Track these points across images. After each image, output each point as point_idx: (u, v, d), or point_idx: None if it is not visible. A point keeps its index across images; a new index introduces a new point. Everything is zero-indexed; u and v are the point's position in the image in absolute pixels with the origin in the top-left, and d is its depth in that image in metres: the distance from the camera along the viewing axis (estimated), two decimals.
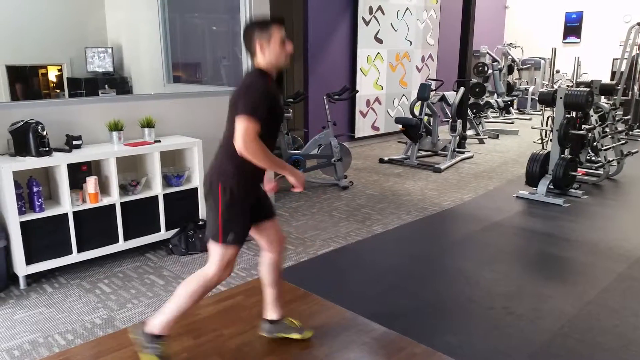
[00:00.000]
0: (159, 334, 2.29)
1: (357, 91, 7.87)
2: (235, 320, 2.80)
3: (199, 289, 2.27)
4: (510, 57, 11.04)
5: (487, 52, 9.97)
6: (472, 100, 9.03)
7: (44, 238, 3.26)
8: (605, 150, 5.84)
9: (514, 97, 11.55)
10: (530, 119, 11.07)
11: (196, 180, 3.97)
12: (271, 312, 2.59)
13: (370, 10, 8.24)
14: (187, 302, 2.27)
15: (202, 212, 4.00)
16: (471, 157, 7.48)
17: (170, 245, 3.82)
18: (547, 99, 5.53)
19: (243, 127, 2.02)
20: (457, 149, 7.32)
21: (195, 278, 2.28)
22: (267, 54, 2.19)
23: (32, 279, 3.34)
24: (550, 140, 5.46)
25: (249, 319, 2.79)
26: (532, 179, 5.38)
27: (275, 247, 2.47)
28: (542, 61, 12.02)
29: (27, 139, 3.19)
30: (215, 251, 2.24)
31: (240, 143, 2.03)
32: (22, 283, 3.25)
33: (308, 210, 4.95)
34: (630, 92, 8.23)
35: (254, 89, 2.12)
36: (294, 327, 2.62)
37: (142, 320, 2.66)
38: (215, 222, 2.21)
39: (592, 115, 5.65)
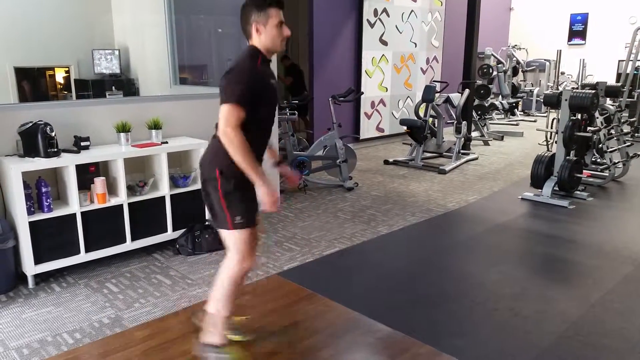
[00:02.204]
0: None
1: (362, 93, 7.89)
2: (243, 312, 2.81)
3: (230, 287, 2.22)
4: (515, 59, 11.03)
5: (492, 54, 9.97)
6: (476, 102, 9.03)
7: (52, 238, 3.29)
8: (611, 152, 5.83)
9: (519, 99, 11.54)
10: (535, 121, 11.05)
11: None
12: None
13: (375, 12, 8.26)
14: (228, 302, 2.25)
15: (208, 213, 4.02)
16: (476, 158, 7.48)
17: (177, 246, 3.85)
18: (552, 101, 5.52)
19: (225, 114, 2.00)
20: (461, 151, 7.32)
21: (222, 277, 2.24)
22: (263, 36, 2.13)
23: (41, 278, 3.38)
24: (556, 142, 5.46)
25: (255, 319, 2.81)
26: (537, 181, 5.37)
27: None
28: (547, 63, 12.00)
29: (36, 140, 3.23)
30: (229, 239, 2.19)
31: (220, 129, 2.02)
32: (30, 282, 3.29)
33: (313, 211, 4.96)
34: (635, 94, 8.21)
35: (241, 73, 2.06)
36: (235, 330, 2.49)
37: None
38: (220, 209, 2.16)
39: (597, 117, 5.64)
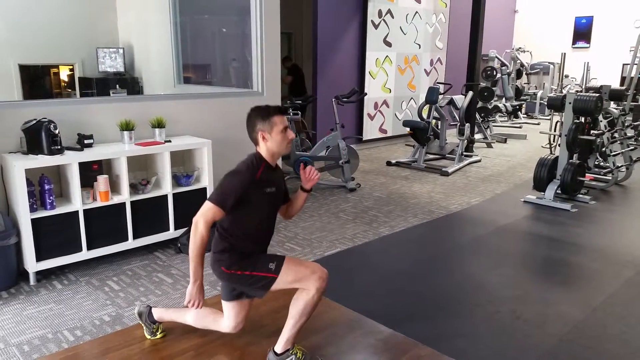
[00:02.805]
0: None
1: (366, 94, 7.89)
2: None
3: (311, 313, 2.29)
4: (519, 61, 11.02)
5: (496, 56, 9.96)
6: (480, 104, 9.02)
7: (54, 235, 3.30)
8: (614, 155, 5.81)
9: (523, 102, 11.52)
10: (538, 124, 11.04)
11: (205, 180, 4.00)
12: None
13: (380, 13, 8.26)
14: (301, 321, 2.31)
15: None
16: (479, 160, 7.47)
17: (179, 244, 3.85)
18: (556, 104, 5.51)
19: (204, 208, 2.16)
20: (464, 153, 7.31)
21: (302, 309, 2.26)
22: (269, 143, 2.25)
23: (42, 275, 3.39)
24: (559, 145, 5.45)
25: (256, 318, 2.80)
26: (539, 184, 5.36)
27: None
28: (551, 66, 11.98)
29: (39, 137, 3.24)
30: (286, 284, 2.24)
31: (195, 218, 2.15)
32: (32, 279, 3.29)
33: (315, 211, 4.96)
34: None
35: (233, 180, 2.18)
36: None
37: None
38: (258, 278, 2.24)
39: (601, 121, 5.62)
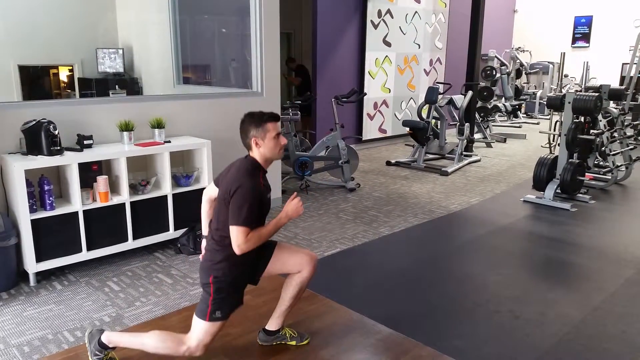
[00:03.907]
0: None
1: (365, 94, 7.89)
2: (243, 320, 2.82)
3: (165, 350, 2.24)
4: (518, 61, 11.01)
5: (496, 56, 9.95)
6: (480, 103, 9.02)
7: (54, 236, 3.30)
8: (614, 155, 5.82)
9: (522, 101, 11.52)
10: (538, 123, 11.04)
11: (205, 180, 3.99)
12: (271, 323, 2.56)
13: (379, 13, 8.26)
14: (148, 350, 2.26)
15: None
16: (478, 160, 7.47)
17: (179, 245, 3.85)
18: (556, 104, 5.52)
19: (235, 236, 2.15)
20: (464, 153, 7.31)
21: (170, 338, 2.25)
22: (262, 149, 2.27)
23: (42, 276, 3.38)
24: (558, 144, 5.45)
25: (256, 318, 2.81)
26: (539, 183, 5.37)
27: (305, 267, 2.42)
28: (551, 65, 11.98)
29: (39, 138, 3.24)
30: (199, 326, 2.24)
31: (237, 249, 2.16)
32: (32, 280, 3.29)
33: (315, 211, 4.97)
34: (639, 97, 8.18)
35: (247, 193, 2.17)
36: (292, 336, 2.60)
37: None
38: (205, 302, 2.24)
39: (600, 120, 5.63)
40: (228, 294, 2.28)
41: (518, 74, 11.08)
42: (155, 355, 2.30)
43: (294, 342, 2.59)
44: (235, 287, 2.31)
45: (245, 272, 2.34)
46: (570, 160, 5.24)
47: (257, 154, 2.29)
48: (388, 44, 8.56)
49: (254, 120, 2.26)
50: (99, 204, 3.47)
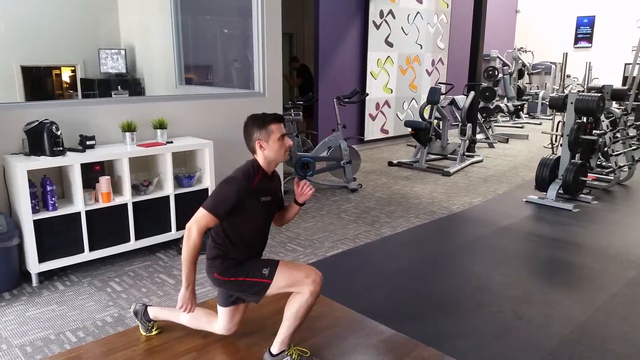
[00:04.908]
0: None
1: (367, 94, 7.88)
2: (243, 321, 2.81)
3: (306, 315, 2.28)
4: (520, 61, 11.00)
5: (498, 56, 9.95)
6: (482, 104, 9.00)
7: (56, 236, 3.30)
8: (616, 155, 5.80)
9: (524, 102, 11.51)
10: (540, 124, 11.03)
11: (207, 181, 4.00)
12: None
13: (381, 14, 8.26)
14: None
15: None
16: (480, 161, 7.46)
17: (181, 245, 3.84)
18: (558, 104, 5.50)
19: (197, 215, 2.17)
20: (466, 153, 7.31)
21: (295, 312, 2.26)
22: (267, 151, 2.25)
23: (45, 276, 3.39)
24: (561, 145, 5.44)
25: (257, 319, 2.81)
26: (541, 184, 5.36)
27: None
28: (553, 66, 11.97)
29: (41, 138, 3.24)
30: (280, 288, 2.25)
31: (189, 224, 2.16)
32: (34, 280, 3.30)
33: (317, 212, 4.96)
34: None
35: (230, 187, 2.17)
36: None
37: None
38: (252, 284, 2.24)
39: (603, 121, 5.62)
40: (245, 265, 2.26)
41: (520, 74, 11.07)
42: (156, 353, 2.30)
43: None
44: (244, 260, 2.29)
45: (245, 262, 2.31)
46: (572, 160, 5.23)
47: (261, 157, 2.27)
48: (390, 45, 8.55)
49: (257, 122, 2.25)
50: (101, 204, 3.48)
